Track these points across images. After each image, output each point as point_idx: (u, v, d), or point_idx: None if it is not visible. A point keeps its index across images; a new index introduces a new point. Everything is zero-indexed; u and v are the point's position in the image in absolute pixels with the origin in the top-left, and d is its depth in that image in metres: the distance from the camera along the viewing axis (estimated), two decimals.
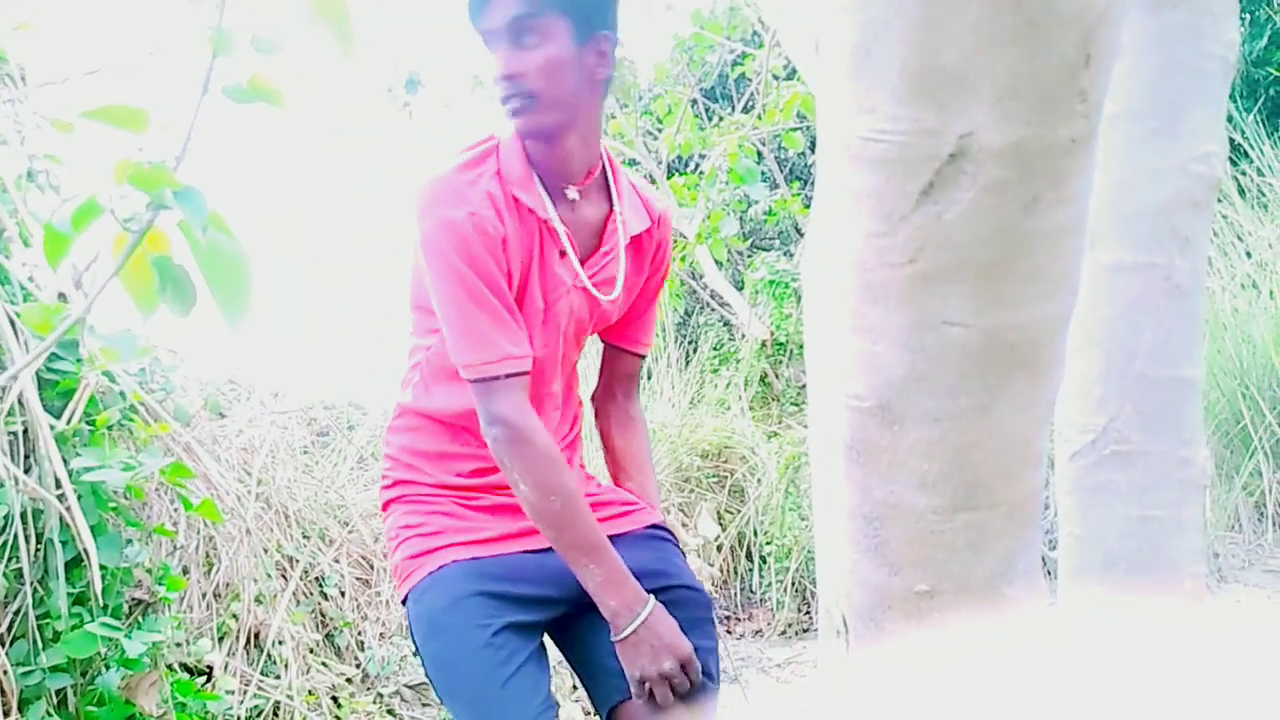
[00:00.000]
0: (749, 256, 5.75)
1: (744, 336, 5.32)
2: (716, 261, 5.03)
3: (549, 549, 1.20)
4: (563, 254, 1.25)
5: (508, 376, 1.15)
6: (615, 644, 1.16)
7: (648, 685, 1.15)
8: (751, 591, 4.12)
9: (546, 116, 1.17)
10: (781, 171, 5.87)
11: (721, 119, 4.85)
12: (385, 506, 1.32)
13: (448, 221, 1.15)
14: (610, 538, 1.20)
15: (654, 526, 1.34)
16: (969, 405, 0.60)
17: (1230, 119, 4.56)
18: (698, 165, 5.09)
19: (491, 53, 1.16)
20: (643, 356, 1.46)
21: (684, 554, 1.37)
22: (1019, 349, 0.58)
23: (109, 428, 1.69)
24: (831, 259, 0.63)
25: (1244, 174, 4.47)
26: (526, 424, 1.15)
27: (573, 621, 1.27)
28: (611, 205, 1.31)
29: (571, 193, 1.26)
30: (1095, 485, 0.90)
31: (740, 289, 5.46)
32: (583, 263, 1.27)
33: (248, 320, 0.92)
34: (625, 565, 1.17)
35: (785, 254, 5.53)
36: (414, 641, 1.23)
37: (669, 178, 4.87)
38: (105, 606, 1.59)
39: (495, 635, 1.15)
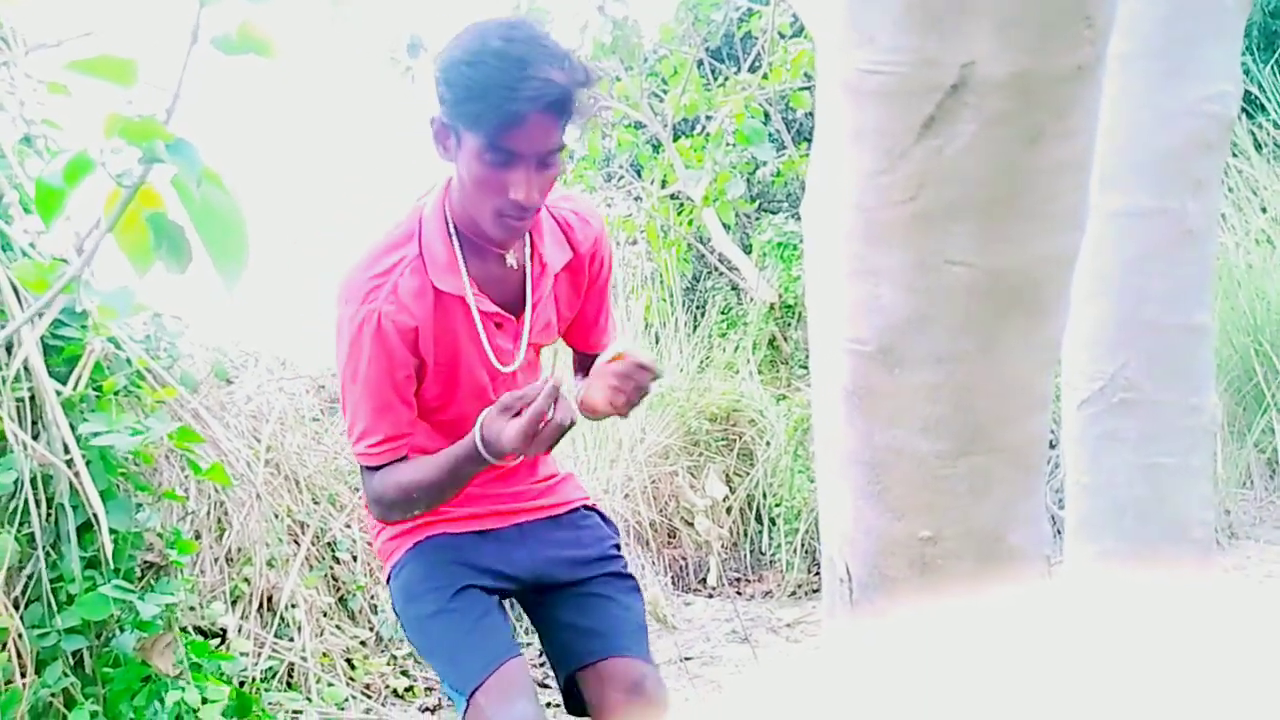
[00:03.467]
0: (756, 219, 5.70)
1: (752, 300, 5.30)
2: (724, 224, 4.99)
3: (502, 529, 1.38)
4: (500, 325, 1.27)
5: (381, 465, 1.25)
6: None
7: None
8: (761, 553, 4.14)
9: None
10: (789, 132, 5.79)
11: (727, 79, 4.78)
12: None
13: (350, 317, 1.20)
14: (536, 522, 1.39)
15: (580, 507, 1.46)
16: (971, 347, 0.59)
17: (1247, 71, 4.48)
18: (704, 127, 5.02)
19: (506, 170, 1.10)
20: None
21: (608, 522, 1.48)
22: (1022, 289, 0.57)
23: (115, 393, 1.69)
24: (832, 201, 0.62)
25: (1260, 127, 4.40)
26: (389, 500, 1.26)
27: (532, 598, 1.42)
28: (535, 248, 1.29)
29: (509, 259, 1.26)
30: (1103, 433, 0.89)
31: (748, 252, 5.42)
32: (517, 315, 1.28)
33: (244, 279, 0.92)
34: (450, 452, 1.21)
35: (793, 216, 5.48)
36: (395, 612, 1.38)
37: (675, 140, 4.82)
38: (117, 570, 1.60)
39: (458, 594, 1.30)
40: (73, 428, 1.57)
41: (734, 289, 5.62)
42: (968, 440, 0.63)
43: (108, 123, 0.77)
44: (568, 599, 1.37)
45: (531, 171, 1.11)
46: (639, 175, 5.85)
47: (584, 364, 1.45)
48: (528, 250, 1.28)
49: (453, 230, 1.23)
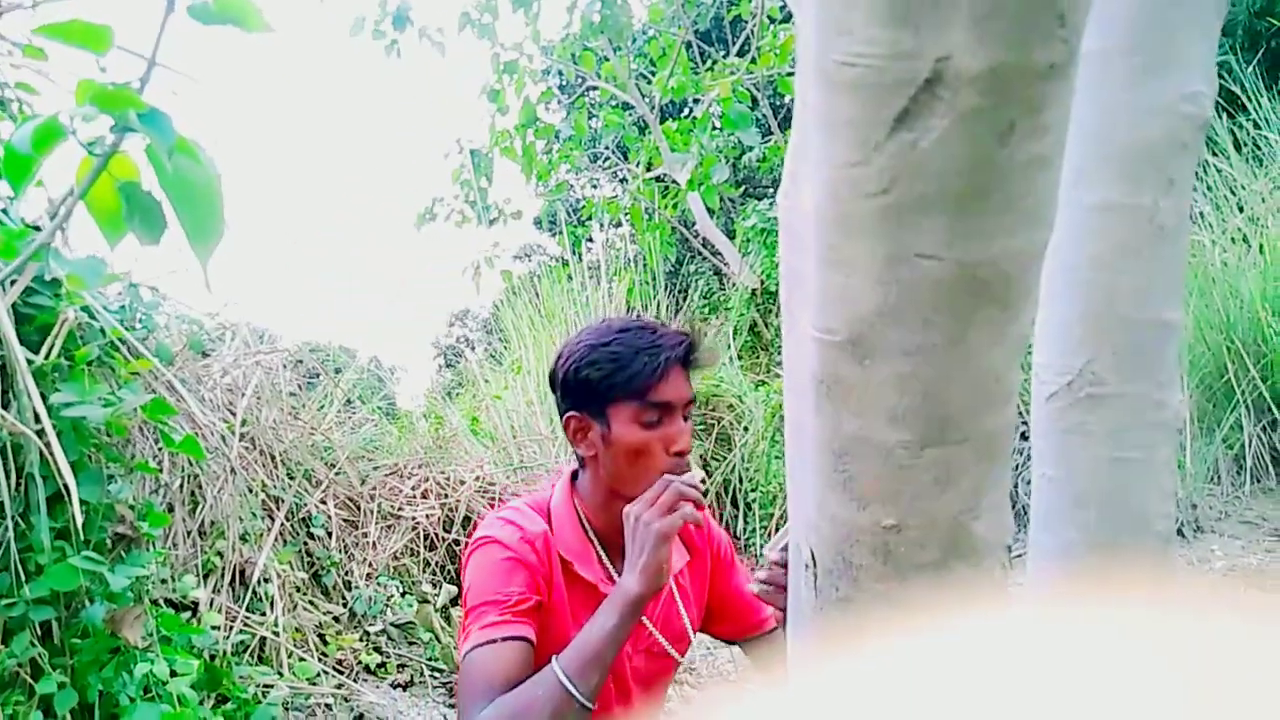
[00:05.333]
0: (741, 204, 5.70)
1: (734, 285, 5.30)
2: (708, 209, 4.99)
3: None
4: None
5: (493, 639, 1.12)
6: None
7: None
8: (736, 538, 4.17)
9: None
10: (776, 118, 5.79)
11: (715, 62, 4.76)
12: None
13: (494, 540, 1.19)
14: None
15: None
16: (940, 339, 0.60)
17: (1230, 70, 4.51)
18: (691, 110, 5.01)
19: (663, 427, 1.18)
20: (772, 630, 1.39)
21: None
22: (991, 282, 0.58)
23: (88, 363, 1.67)
24: (806, 190, 0.62)
25: (1240, 127, 4.44)
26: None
27: None
28: None
29: None
30: (1069, 427, 0.91)
31: (732, 237, 5.42)
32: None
33: (218, 250, 0.91)
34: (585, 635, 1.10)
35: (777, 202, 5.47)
36: None
37: (661, 122, 4.80)
38: (87, 541, 1.59)
39: None
40: (44, 397, 1.55)
41: (717, 274, 5.63)
42: (935, 431, 0.64)
43: (79, 89, 0.76)
44: None
45: (682, 423, 1.20)
46: (625, 157, 5.83)
47: (767, 656, 1.39)
48: None
49: (586, 525, 1.27)
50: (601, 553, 1.26)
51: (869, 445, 0.65)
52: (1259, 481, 3.81)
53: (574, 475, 1.32)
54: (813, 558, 0.73)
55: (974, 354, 0.61)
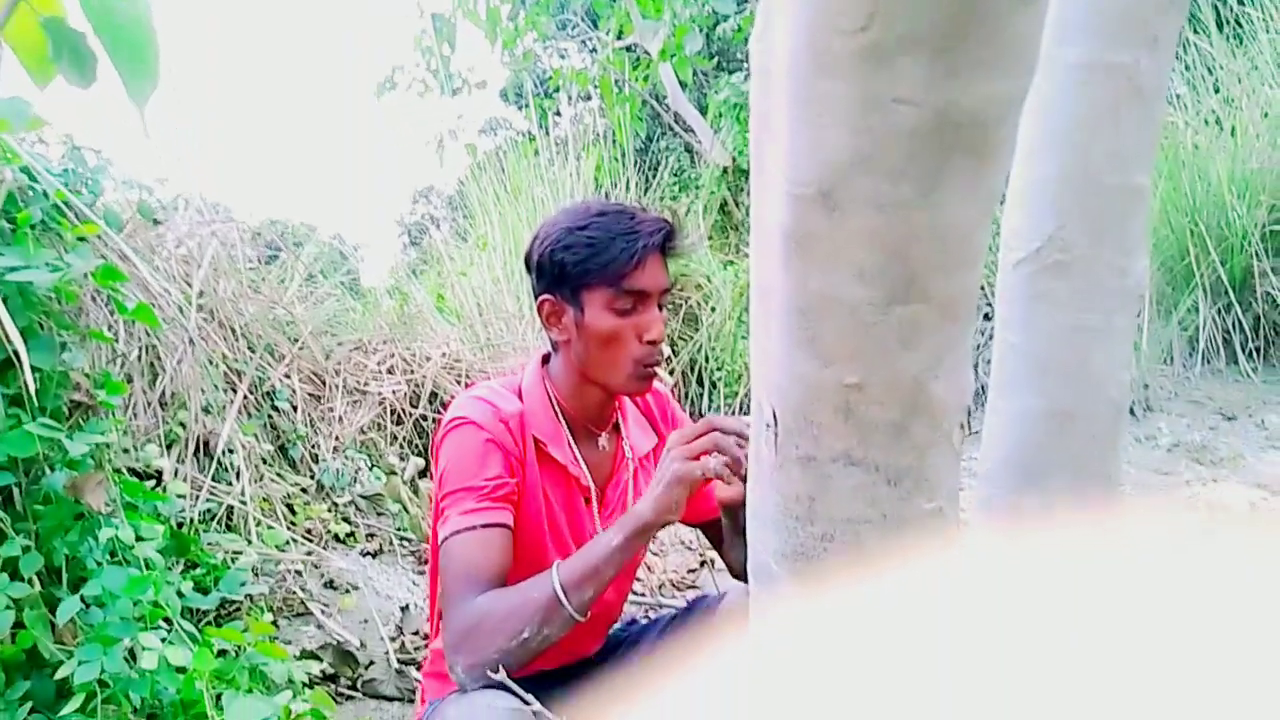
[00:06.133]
0: (714, 78, 5.53)
1: (705, 163, 5.20)
2: (680, 81, 4.83)
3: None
4: (589, 501, 1.27)
5: (475, 525, 1.12)
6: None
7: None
8: (701, 414, 4.24)
9: None
10: None
11: None
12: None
13: (469, 421, 1.17)
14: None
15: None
16: (912, 192, 0.58)
17: None
18: None
19: (637, 314, 1.16)
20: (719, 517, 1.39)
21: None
22: (968, 130, 0.56)
23: (31, 227, 1.61)
24: (780, 29, 0.59)
25: (1224, 2, 4.34)
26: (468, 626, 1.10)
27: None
28: (619, 433, 1.33)
29: (603, 440, 1.30)
30: (1035, 294, 0.90)
31: (704, 112, 5.28)
32: (602, 499, 1.29)
33: (154, 95, 0.86)
34: (590, 550, 1.11)
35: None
36: None
37: None
38: (43, 409, 1.56)
39: None
40: None
41: (688, 150, 5.50)
42: (901, 289, 0.63)
43: None
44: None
45: (657, 311, 1.18)
46: (595, 25, 5.60)
47: (718, 536, 1.39)
48: (615, 436, 1.33)
49: (556, 408, 1.25)
50: (570, 436, 1.26)
51: (835, 303, 0.64)
52: (1209, 363, 3.92)
53: (545, 358, 1.31)
54: (774, 416, 0.73)
55: (945, 209, 0.60)
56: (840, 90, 0.56)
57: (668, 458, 1.07)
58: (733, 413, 4.06)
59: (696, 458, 1.06)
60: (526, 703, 1.00)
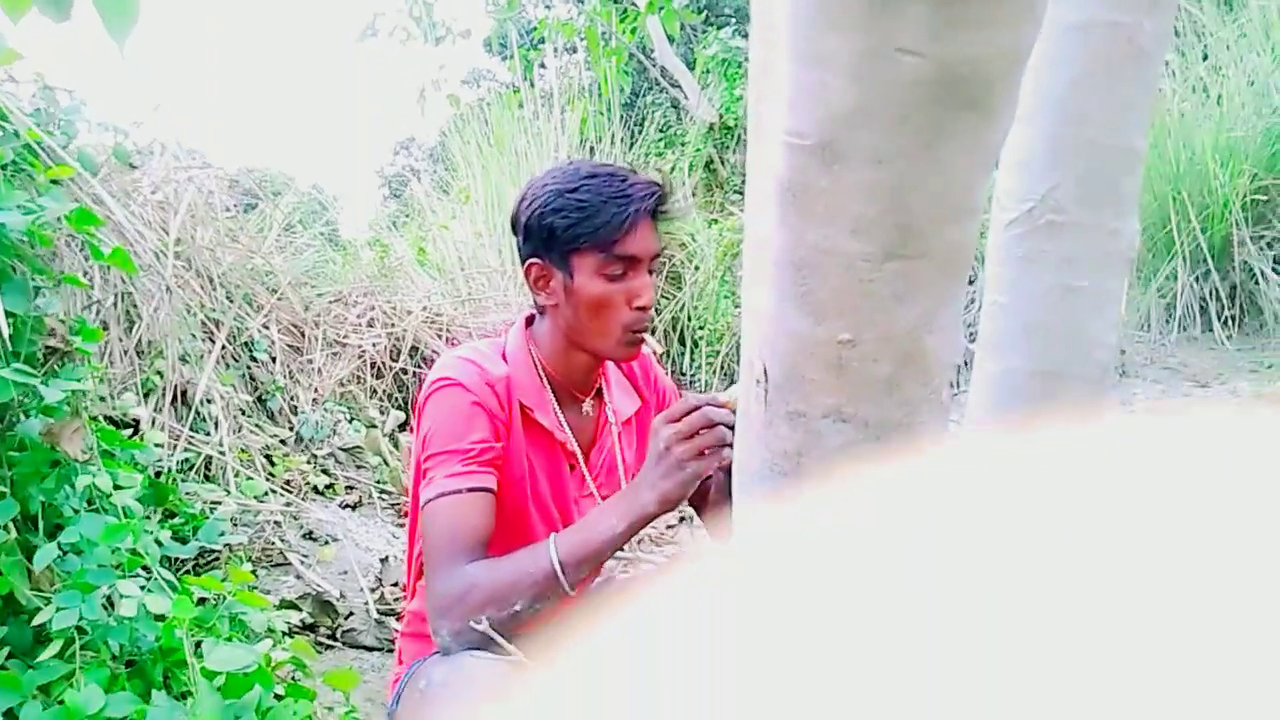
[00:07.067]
0: (703, 33, 5.45)
1: (692, 119, 5.15)
2: (668, 35, 4.76)
3: None
4: (573, 467, 1.26)
5: (462, 489, 1.11)
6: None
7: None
8: (682, 374, 4.24)
9: None
10: None
11: None
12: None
13: (455, 382, 1.15)
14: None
15: None
16: (912, 144, 0.57)
17: None
18: None
19: (626, 280, 1.14)
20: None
21: None
22: (972, 82, 0.55)
23: (3, 168, 1.57)
24: None
25: None
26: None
27: None
28: (602, 398, 1.32)
29: (587, 405, 1.29)
30: (1025, 255, 0.90)
31: (691, 67, 5.21)
32: (586, 463, 1.27)
33: (134, 32, 0.83)
34: (587, 524, 1.09)
35: (740, 32, 5.24)
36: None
37: None
38: (17, 354, 1.54)
39: None
40: None
41: (674, 106, 5.44)
42: (897, 243, 0.62)
43: None
44: None
45: (647, 277, 1.16)
46: None
47: (703, 497, 1.37)
48: (598, 400, 1.31)
49: (541, 372, 1.23)
50: (554, 401, 1.25)
51: (831, 257, 0.64)
52: (1185, 330, 3.97)
53: (529, 320, 1.29)
54: (764, 372, 0.73)
55: (945, 163, 0.59)
56: (843, 39, 0.55)
57: (669, 453, 1.04)
58: (713, 371, 4.07)
59: (690, 437, 1.04)
60: (513, 655, 1.00)
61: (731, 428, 1.01)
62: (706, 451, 1.03)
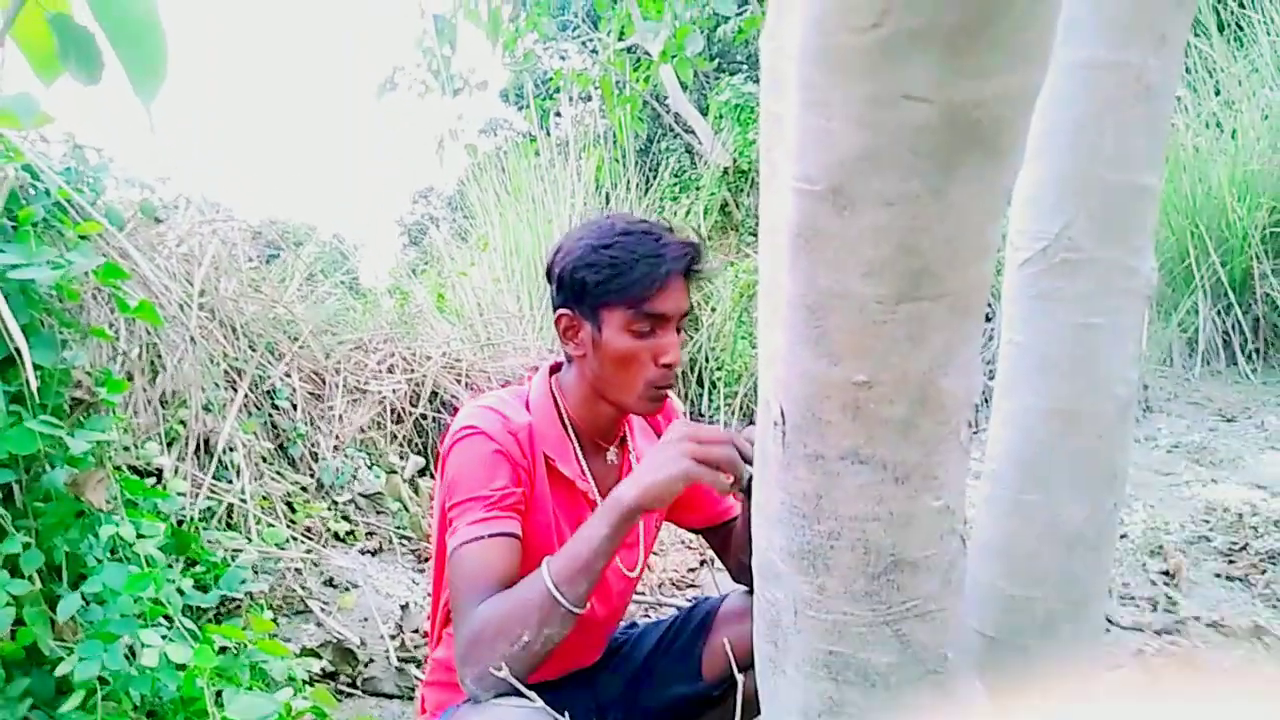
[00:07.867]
0: (715, 79, 5.53)
1: (706, 163, 5.20)
2: (681, 83, 4.83)
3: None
4: None
5: (487, 535, 1.10)
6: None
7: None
8: (700, 414, 4.23)
9: None
10: None
11: None
12: None
13: (479, 430, 1.16)
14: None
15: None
16: (922, 188, 0.58)
17: None
18: None
19: (654, 337, 1.15)
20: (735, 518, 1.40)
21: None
22: (980, 126, 0.55)
23: (34, 225, 1.60)
24: (792, 26, 0.59)
25: (1225, 6, 4.35)
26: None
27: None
28: (626, 445, 1.33)
29: (611, 454, 1.29)
30: (1041, 293, 0.90)
31: (704, 113, 5.28)
32: None
33: (161, 93, 0.85)
34: (580, 535, 1.07)
35: (752, 78, 5.31)
36: None
37: None
38: (44, 406, 1.56)
39: None
40: None
41: (688, 151, 5.50)
42: (910, 285, 0.63)
43: None
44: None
45: (674, 335, 1.17)
46: (595, 26, 5.60)
47: (725, 542, 1.41)
48: (621, 449, 1.32)
49: (565, 421, 1.24)
50: (578, 450, 1.26)
51: (844, 300, 0.64)
52: (1209, 364, 3.92)
53: (554, 368, 1.30)
54: (781, 414, 0.73)
55: (956, 205, 0.59)
56: (851, 86, 0.56)
57: (674, 448, 1.04)
58: (732, 412, 4.06)
59: (705, 461, 1.02)
60: (531, 700, 0.99)
61: (749, 461, 1.01)
62: (710, 464, 1.02)
